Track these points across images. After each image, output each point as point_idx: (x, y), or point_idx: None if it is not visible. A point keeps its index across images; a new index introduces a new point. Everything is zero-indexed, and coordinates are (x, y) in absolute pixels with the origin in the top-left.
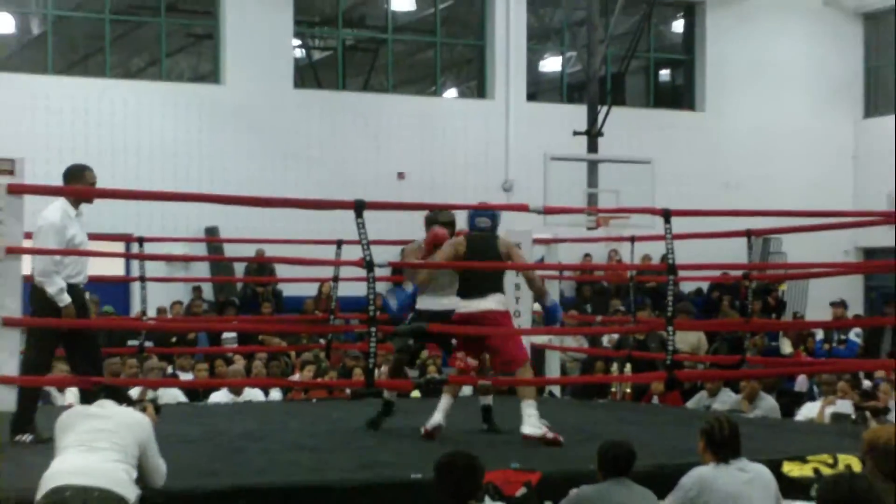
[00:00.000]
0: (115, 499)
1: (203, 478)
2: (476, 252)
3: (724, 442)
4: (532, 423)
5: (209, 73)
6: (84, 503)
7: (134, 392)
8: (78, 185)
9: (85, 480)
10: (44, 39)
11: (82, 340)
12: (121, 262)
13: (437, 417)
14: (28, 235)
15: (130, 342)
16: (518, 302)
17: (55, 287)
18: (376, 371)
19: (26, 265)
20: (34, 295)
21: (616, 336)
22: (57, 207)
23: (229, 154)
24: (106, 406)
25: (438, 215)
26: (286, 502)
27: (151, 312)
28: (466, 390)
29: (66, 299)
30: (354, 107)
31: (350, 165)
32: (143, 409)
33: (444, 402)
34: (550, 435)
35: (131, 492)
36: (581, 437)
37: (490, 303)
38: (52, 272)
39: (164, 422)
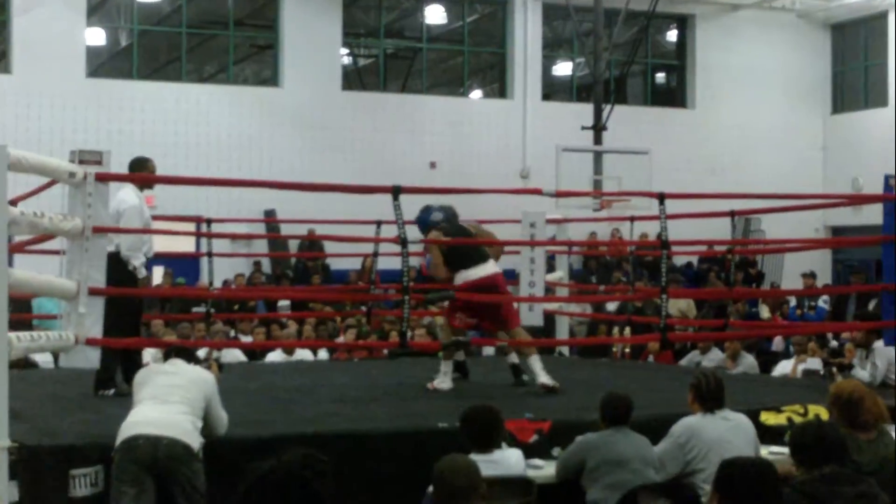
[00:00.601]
0: (182, 446)
1: (260, 427)
2: (456, 235)
3: (711, 394)
4: (545, 375)
5: (270, 78)
6: (155, 448)
7: (201, 352)
8: (142, 173)
9: (156, 430)
10: (130, 50)
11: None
12: (192, 239)
13: (446, 379)
14: None
15: (198, 309)
16: (532, 273)
17: (138, 261)
18: (409, 333)
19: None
20: (110, 270)
21: (617, 303)
22: (131, 192)
23: (286, 147)
24: (177, 364)
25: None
26: (333, 447)
27: (217, 283)
28: (488, 350)
29: (143, 272)
30: (394, 106)
31: (389, 156)
32: (209, 367)
33: (445, 365)
34: (555, 384)
35: (196, 440)
36: (586, 390)
37: (490, 267)
38: (137, 249)
39: (226, 378)
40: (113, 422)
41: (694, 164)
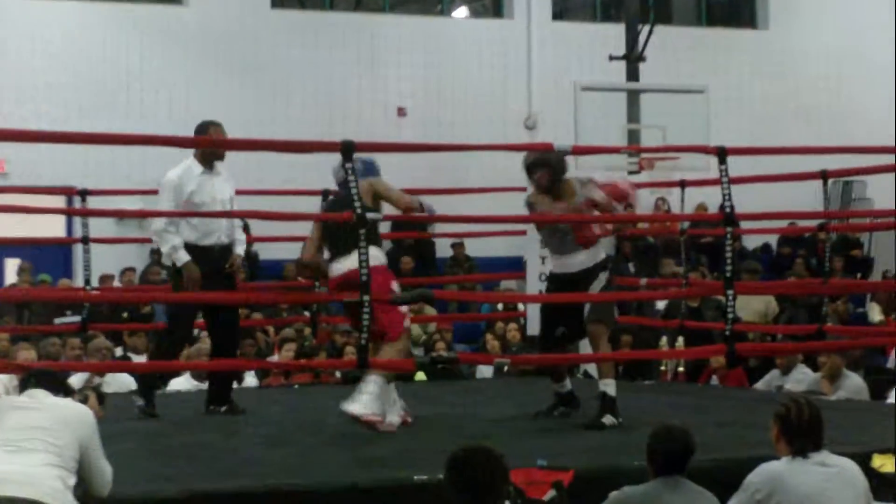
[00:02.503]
0: None
1: (158, 483)
2: (333, 208)
3: (803, 430)
4: (361, 401)
5: None
6: None
7: (75, 379)
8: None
9: (9, 490)
10: None
11: (223, 310)
12: (60, 220)
13: (377, 405)
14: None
15: (69, 317)
16: (544, 262)
17: (167, 245)
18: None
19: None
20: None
21: (665, 302)
22: (181, 165)
23: (193, 88)
24: (38, 397)
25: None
26: None
27: (97, 281)
28: (485, 371)
29: (182, 258)
30: (344, 30)
31: (339, 100)
32: (85, 400)
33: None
34: (375, 419)
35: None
36: (624, 426)
37: (352, 261)
38: (163, 231)
39: (110, 415)
40: None
41: (769, 107)
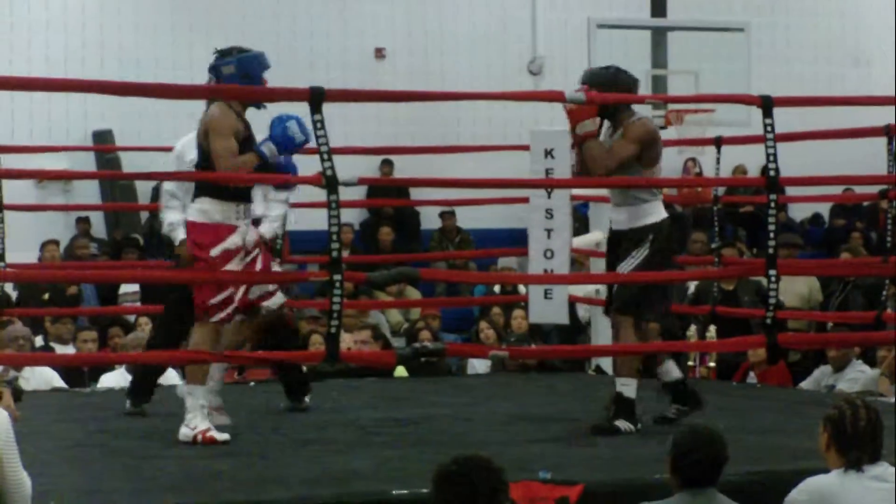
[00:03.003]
0: None
1: (87, 497)
2: None
3: (859, 438)
4: (186, 423)
5: None
6: None
7: None
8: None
9: None
10: None
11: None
12: None
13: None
14: None
15: None
16: (550, 236)
17: (166, 220)
18: (342, 337)
19: None
20: None
21: (694, 284)
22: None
23: (127, 25)
24: None
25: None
26: None
27: (14, 258)
28: (478, 366)
29: (178, 236)
30: None
31: (305, 40)
32: None
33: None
34: (209, 435)
35: None
36: (643, 431)
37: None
38: (165, 204)
39: (29, 416)
40: None
41: (822, 48)
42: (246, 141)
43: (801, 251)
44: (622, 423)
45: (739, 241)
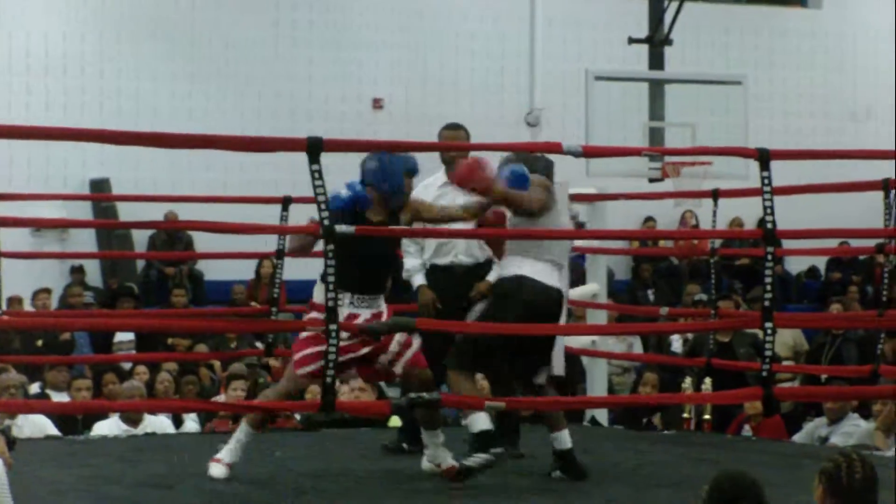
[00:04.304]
0: None
1: None
2: None
3: (854, 491)
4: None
5: None
6: None
7: None
8: None
9: None
10: None
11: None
12: None
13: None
14: None
15: None
16: None
17: (403, 269)
18: (338, 387)
19: None
20: None
21: (690, 336)
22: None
23: (127, 72)
24: None
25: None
26: None
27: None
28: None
29: (416, 281)
30: (309, 5)
31: (302, 88)
32: None
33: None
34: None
35: None
36: (639, 482)
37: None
38: (404, 249)
39: (22, 464)
40: None
41: (820, 102)
42: None
43: (795, 305)
44: (474, 459)
45: (735, 294)
